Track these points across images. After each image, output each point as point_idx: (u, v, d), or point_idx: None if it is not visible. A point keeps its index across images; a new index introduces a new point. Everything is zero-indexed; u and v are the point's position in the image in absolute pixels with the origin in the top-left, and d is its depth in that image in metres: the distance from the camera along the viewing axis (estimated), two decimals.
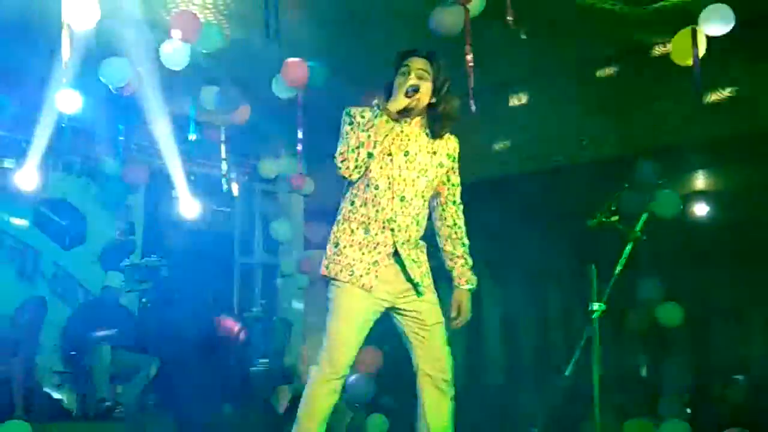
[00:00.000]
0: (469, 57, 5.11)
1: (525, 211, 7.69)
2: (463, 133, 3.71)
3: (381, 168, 3.47)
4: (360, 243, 3.48)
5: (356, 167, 3.43)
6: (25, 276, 8.14)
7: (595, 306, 4.12)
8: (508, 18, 5.04)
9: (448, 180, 3.63)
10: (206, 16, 6.37)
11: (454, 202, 3.66)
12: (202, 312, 8.01)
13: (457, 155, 3.63)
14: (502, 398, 7.76)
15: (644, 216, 4.33)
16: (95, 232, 8.59)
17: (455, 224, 3.63)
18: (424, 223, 3.58)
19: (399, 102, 3.40)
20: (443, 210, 3.65)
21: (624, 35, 6.74)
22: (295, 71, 6.55)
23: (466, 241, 3.66)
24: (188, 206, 8.33)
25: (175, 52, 5.98)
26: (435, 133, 3.55)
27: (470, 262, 3.65)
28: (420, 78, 3.44)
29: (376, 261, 3.45)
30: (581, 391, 4.76)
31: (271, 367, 8.52)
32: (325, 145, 8.05)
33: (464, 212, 3.69)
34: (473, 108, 5.08)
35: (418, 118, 3.54)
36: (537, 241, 7.79)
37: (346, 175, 3.47)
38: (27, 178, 7.31)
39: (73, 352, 7.48)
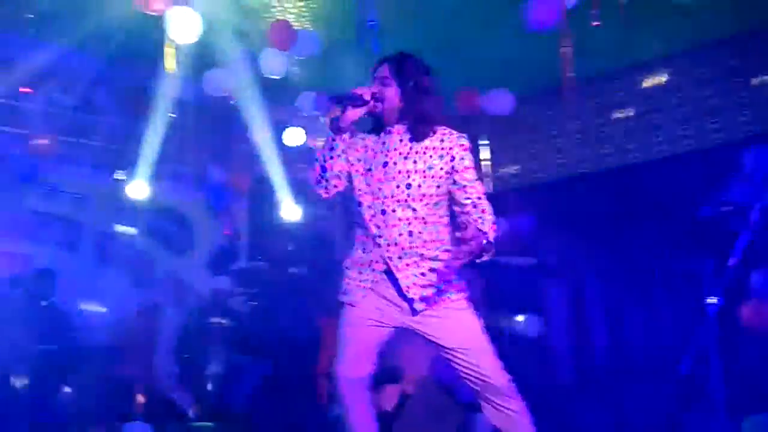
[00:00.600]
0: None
1: (635, 203, 7.47)
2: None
3: (364, 184, 3.32)
4: (358, 262, 3.38)
5: (318, 184, 3.38)
6: (140, 283, 8.48)
7: (712, 300, 3.97)
8: None
9: (455, 182, 3.31)
10: (302, 24, 6.48)
11: (474, 205, 3.29)
12: (307, 314, 8.11)
13: (459, 152, 3.29)
14: (611, 398, 7.57)
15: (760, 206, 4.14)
16: (203, 238, 8.86)
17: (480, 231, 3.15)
18: (425, 232, 3.29)
19: (346, 114, 3.26)
20: (462, 214, 3.29)
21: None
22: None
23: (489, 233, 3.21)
24: (290, 211, 8.46)
25: (273, 61, 6.11)
26: (416, 136, 3.30)
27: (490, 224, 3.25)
28: (383, 85, 3.29)
29: (369, 279, 3.31)
30: (697, 388, 4.59)
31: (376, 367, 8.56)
32: None
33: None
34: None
35: (398, 126, 3.34)
36: (645, 234, 7.56)
37: (320, 194, 3.41)
38: (138, 188, 7.61)
39: (186, 355, 7.69)
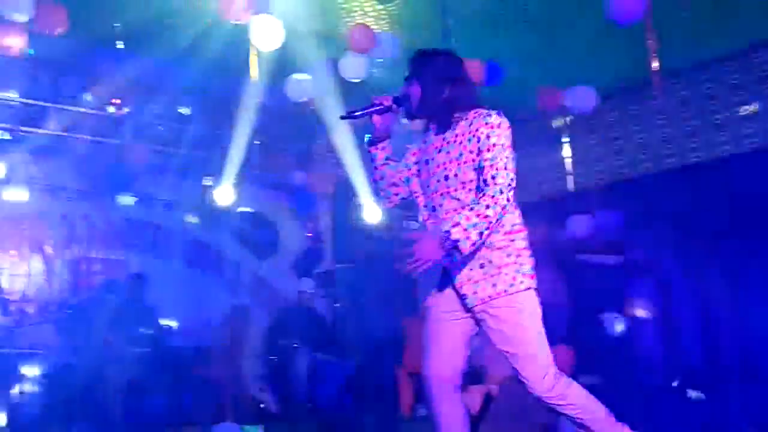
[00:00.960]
0: None
1: (725, 198, 7.24)
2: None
3: (418, 185, 3.36)
4: None
5: (378, 196, 3.49)
6: (228, 286, 8.69)
7: None
8: None
9: (480, 163, 3.13)
10: (381, 27, 6.53)
11: (485, 181, 3.09)
12: (390, 315, 8.15)
13: (485, 131, 3.13)
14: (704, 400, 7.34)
15: None
16: (288, 241, 9.01)
17: (477, 202, 3.05)
18: None
19: (374, 124, 3.34)
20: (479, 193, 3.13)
21: None
22: (471, 71, 6.55)
23: (480, 212, 3.03)
24: (372, 212, 8.52)
25: (354, 65, 6.18)
26: (442, 126, 3.26)
27: (465, 223, 3.00)
28: (408, 85, 3.28)
29: (438, 274, 3.28)
30: None
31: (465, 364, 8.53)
32: None
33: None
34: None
35: (431, 121, 3.33)
36: (736, 229, 7.32)
37: (384, 204, 3.49)
38: (224, 194, 7.80)
39: (274, 357, 7.82)
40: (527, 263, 3.21)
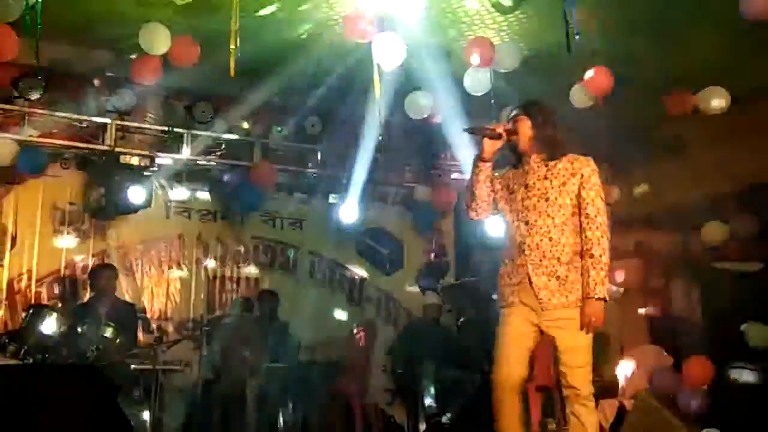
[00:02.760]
0: None
1: None
2: None
3: (508, 204, 4.02)
4: (508, 273, 3.98)
5: (469, 208, 4.11)
6: (354, 301, 8.83)
7: None
8: None
9: (579, 197, 3.89)
10: (502, 38, 6.52)
11: (586, 215, 3.86)
12: None
13: (588, 171, 3.90)
14: None
15: None
16: (411, 256, 9.08)
17: (585, 236, 3.85)
18: (562, 240, 3.86)
19: (484, 147, 3.96)
20: (579, 223, 3.89)
21: None
22: (601, 80, 6.45)
23: (595, 252, 3.81)
24: (494, 225, 8.46)
25: (476, 79, 6.19)
26: (550, 158, 3.95)
27: (596, 274, 3.78)
28: (516, 122, 3.98)
29: (519, 282, 3.88)
30: None
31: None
32: (631, 155, 7.89)
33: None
34: None
35: (535, 155, 3.97)
36: None
37: (471, 216, 4.15)
38: (349, 210, 7.94)
39: (401, 371, 7.87)
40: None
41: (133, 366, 6.36)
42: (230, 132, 7.73)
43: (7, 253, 7.20)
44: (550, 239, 3.85)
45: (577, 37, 5.03)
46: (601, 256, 3.80)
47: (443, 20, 6.33)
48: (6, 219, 7.16)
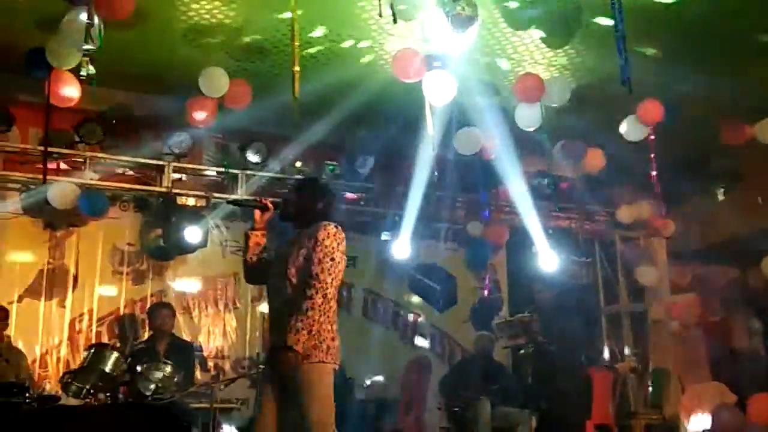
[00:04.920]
0: None
1: None
2: None
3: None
4: None
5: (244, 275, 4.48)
6: (408, 338, 8.81)
7: None
8: None
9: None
10: (552, 73, 6.54)
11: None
12: (575, 364, 7.96)
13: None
14: None
15: None
16: (464, 292, 9.04)
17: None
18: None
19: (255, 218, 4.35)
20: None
21: None
22: (652, 111, 6.42)
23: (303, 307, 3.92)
24: (548, 260, 8.41)
25: (526, 113, 6.21)
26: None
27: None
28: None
29: None
30: None
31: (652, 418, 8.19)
32: (682, 184, 7.80)
33: None
34: None
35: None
36: None
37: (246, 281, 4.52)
38: (402, 247, 7.97)
39: (456, 409, 7.80)
40: None
41: (190, 404, 6.42)
42: (284, 171, 7.85)
43: (69, 294, 7.38)
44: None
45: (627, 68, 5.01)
46: (308, 310, 3.80)
47: (493, 56, 6.38)
48: (68, 260, 7.35)
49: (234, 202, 5.49)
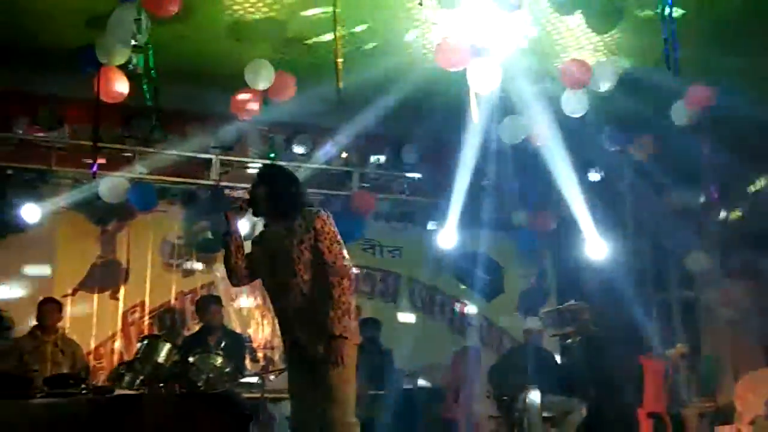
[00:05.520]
0: None
1: None
2: None
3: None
4: None
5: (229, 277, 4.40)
6: (455, 328, 8.81)
7: None
8: None
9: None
10: (598, 57, 6.45)
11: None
12: (625, 352, 7.87)
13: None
14: None
15: None
16: (512, 281, 9.00)
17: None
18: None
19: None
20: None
21: None
22: (701, 96, 6.30)
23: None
24: (596, 247, 8.31)
25: (573, 100, 6.14)
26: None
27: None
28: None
29: None
30: None
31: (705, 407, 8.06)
32: (739, 168, 7.64)
33: None
34: None
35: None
36: None
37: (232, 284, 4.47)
38: (448, 237, 7.95)
39: (505, 398, 7.78)
40: None
41: (241, 394, 6.50)
42: (329, 162, 7.88)
43: (122, 287, 7.51)
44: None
45: (675, 51, 4.92)
46: (340, 296, 3.86)
47: (538, 42, 6.31)
48: (120, 254, 7.48)
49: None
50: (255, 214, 4.28)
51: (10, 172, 6.96)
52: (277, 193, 4.13)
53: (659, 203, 8.66)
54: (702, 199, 8.10)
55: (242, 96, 6.63)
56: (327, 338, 3.87)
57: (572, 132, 6.91)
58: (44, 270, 7.35)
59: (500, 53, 5.81)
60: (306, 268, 3.96)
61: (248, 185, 7.37)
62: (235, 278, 4.30)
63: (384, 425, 7.05)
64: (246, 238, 6.60)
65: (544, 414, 7.40)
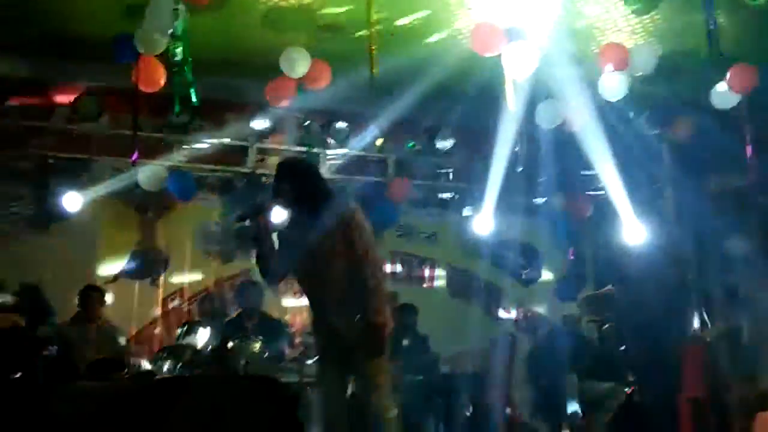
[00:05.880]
0: None
1: None
2: None
3: None
4: None
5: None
6: (491, 313, 8.80)
7: None
8: None
9: None
10: (636, 40, 6.36)
11: None
12: (664, 337, 7.79)
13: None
14: None
15: None
16: (549, 266, 8.96)
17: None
18: None
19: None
20: None
21: None
22: (744, 78, 6.18)
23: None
24: (634, 231, 8.22)
25: (611, 84, 6.07)
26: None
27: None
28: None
29: None
30: None
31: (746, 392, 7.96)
32: None
33: None
34: None
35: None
36: None
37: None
38: (484, 222, 7.92)
39: (542, 384, 7.76)
40: None
41: (280, 379, 6.57)
42: (364, 149, 7.89)
43: (162, 274, 7.62)
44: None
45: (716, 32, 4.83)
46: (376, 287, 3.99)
47: (575, 26, 6.24)
48: (160, 241, 7.58)
49: (240, 218, 4.78)
50: (287, 208, 4.31)
51: (51, 161, 7.09)
52: (303, 187, 4.20)
53: (699, 187, 8.56)
54: (743, 183, 7.97)
55: (277, 84, 6.65)
56: (365, 327, 3.94)
57: (609, 116, 6.82)
58: (86, 258, 7.48)
59: (536, 37, 5.75)
60: (340, 259, 4.03)
61: None
62: (270, 277, 4.45)
63: (420, 411, 7.09)
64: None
65: (581, 399, 7.39)
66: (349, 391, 4.40)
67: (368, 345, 3.96)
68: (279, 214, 4.44)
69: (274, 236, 4.33)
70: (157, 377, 5.61)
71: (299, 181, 4.23)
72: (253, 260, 7.79)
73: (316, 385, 4.46)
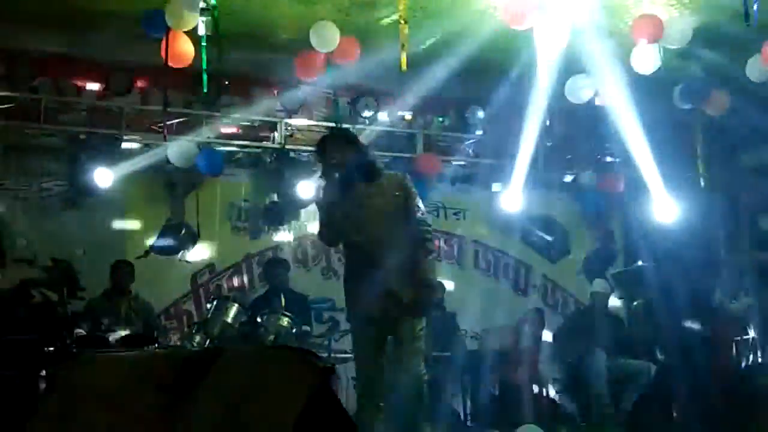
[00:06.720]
0: None
1: None
2: None
3: None
4: None
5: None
6: (520, 289, 8.76)
7: None
8: None
9: None
10: (671, 13, 6.24)
11: None
12: (695, 314, 7.73)
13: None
14: None
15: None
16: (578, 243, 8.89)
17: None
18: None
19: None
20: None
21: None
22: None
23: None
24: (665, 209, 8.12)
25: (644, 57, 5.97)
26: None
27: None
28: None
29: None
30: None
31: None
32: None
33: None
34: None
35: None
36: None
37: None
38: (513, 199, 7.87)
39: (570, 360, 7.73)
40: None
41: None
42: (393, 125, 7.85)
43: (191, 249, 7.65)
44: None
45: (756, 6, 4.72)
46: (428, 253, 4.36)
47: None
48: (189, 217, 7.61)
49: None
50: (340, 178, 4.41)
51: (83, 137, 7.13)
52: (355, 155, 4.39)
53: (733, 162, 8.44)
54: None
55: (306, 59, 6.62)
56: (420, 286, 4.23)
57: (641, 90, 6.71)
58: (116, 233, 7.54)
59: (568, 10, 5.65)
60: (399, 222, 4.26)
61: (313, 148, 7.53)
62: (332, 238, 4.64)
63: (448, 387, 7.10)
64: (309, 201, 6.70)
65: (609, 377, 7.34)
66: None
67: (419, 304, 4.21)
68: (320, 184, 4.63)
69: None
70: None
71: (350, 149, 4.42)
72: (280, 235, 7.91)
73: (354, 346, 4.57)
